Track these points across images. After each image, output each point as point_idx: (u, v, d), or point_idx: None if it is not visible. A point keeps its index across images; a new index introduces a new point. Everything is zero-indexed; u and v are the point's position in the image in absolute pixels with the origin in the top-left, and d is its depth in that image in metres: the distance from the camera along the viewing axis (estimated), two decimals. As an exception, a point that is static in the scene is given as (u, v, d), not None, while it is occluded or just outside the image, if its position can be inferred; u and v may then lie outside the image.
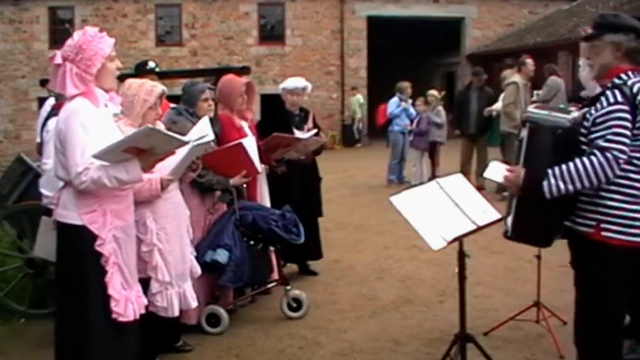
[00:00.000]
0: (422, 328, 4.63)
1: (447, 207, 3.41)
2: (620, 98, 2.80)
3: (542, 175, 2.87)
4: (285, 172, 5.44)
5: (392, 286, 5.65)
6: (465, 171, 9.65)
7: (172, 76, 10.04)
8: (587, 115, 2.93)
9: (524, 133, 3.04)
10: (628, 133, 2.77)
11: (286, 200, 5.09)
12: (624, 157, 2.77)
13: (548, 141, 2.95)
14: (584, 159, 2.82)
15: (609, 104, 2.82)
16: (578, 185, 2.82)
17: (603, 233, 2.88)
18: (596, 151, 2.80)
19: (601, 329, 3.05)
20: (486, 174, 4.76)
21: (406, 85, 11.60)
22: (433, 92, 11.55)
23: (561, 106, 3.19)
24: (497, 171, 4.78)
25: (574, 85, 8.42)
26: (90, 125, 3.07)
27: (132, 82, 3.76)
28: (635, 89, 2.83)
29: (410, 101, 11.48)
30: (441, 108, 11.11)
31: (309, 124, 5.91)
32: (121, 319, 3.15)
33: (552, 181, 2.85)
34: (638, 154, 2.84)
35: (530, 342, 4.26)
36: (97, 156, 2.98)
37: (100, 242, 3.10)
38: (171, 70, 14.53)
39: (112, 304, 3.12)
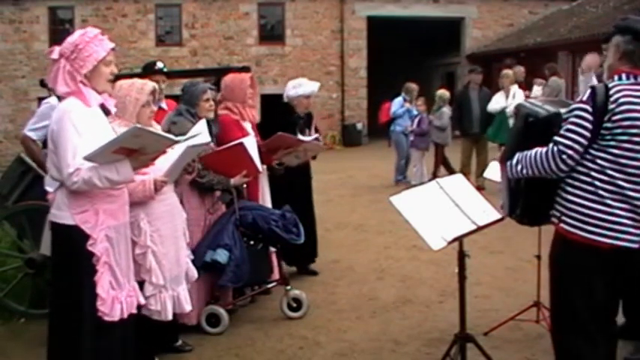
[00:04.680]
0: (422, 328, 4.63)
1: (447, 207, 3.41)
2: (585, 98, 2.89)
3: (510, 155, 3.12)
4: (282, 173, 5.40)
5: (392, 286, 5.65)
6: (465, 171, 9.64)
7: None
8: None
9: None
10: (581, 131, 2.86)
11: (280, 202, 5.11)
12: (570, 152, 2.88)
13: (520, 126, 3.17)
14: (541, 149, 2.98)
15: (576, 102, 2.95)
16: (530, 170, 3.01)
17: (563, 225, 2.99)
18: (550, 144, 2.95)
19: (563, 328, 3.07)
20: (486, 174, 4.78)
21: (413, 86, 11.51)
22: (440, 93, 11.31)
23: (569, 101, 3.31)
24: (498, 171, 4.78)
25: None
26: (81, 126, 3.07)
27: (122, 83, 3.72)
28: (612, 91, 2.86)
29: (414, 102, 11.41)
30: (445, 110, 11.00)
31: (312, 128, 5.90)
32: (106, 318, 3.15)
33: (513, 162, 3.09)
34: (602, 154, 2.88)
35: (530, 342, 4.26)
36: (87, 158, 2.99)
37: (91, 242, 3.10)
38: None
39: (98, 302, 3.12)
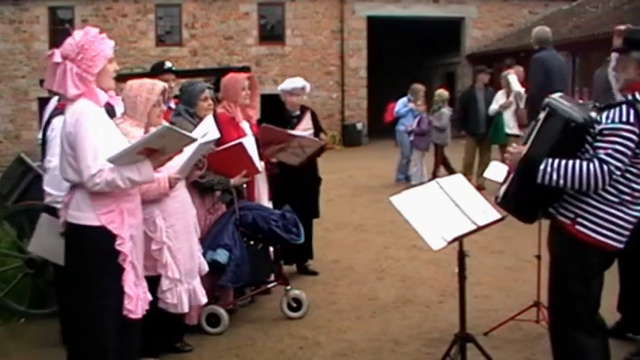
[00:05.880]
0: (422, 328, 4.63)
1: (447, 207, 3.41)
2: (632, 119, 2.91)
3: (541, 159, 3.01)
4: (277, 172, 5.38)
5: (392, 286, 5.65)
6: (468, 172, 9.60)
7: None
8: (598, 120, 3.02)
9: (541, 115, 3.13)
10: (629, 152, 2.92)
11: (283, 201, 5.10)
12: (618, 173, 2.92)
13: (558, 129, 3.04)
14: (584, 163, 2.93)
15: (620, 121, 2.92)
16: (569, 183, 2.96)
17: (577, 227, 3.02)
18: (595, 160, 2.92)
19: (564, 324, 3.12)
20: (487, 174, 4.78)
21: (419, 87, 11.46)
22: (439, 92, 11.28)
23: (581, 102, 3.27)
24: (498, 171, 4.79)
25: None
26: (98, 126, 3.10)
27: (132, 83, 3.78)
28: None
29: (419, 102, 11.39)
30: (445, 110, 10.96)
31: (305, 124, 5.82)
32: (131, 316, 3.18)
33: (548, 169, 2.99)
34: (632, 169, 2.97)
35: (530, 342, 4.26)
36: (111, 160, 3.00)
37: (120, 242, 3.11)
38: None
39: (126, 301, 3.15)
